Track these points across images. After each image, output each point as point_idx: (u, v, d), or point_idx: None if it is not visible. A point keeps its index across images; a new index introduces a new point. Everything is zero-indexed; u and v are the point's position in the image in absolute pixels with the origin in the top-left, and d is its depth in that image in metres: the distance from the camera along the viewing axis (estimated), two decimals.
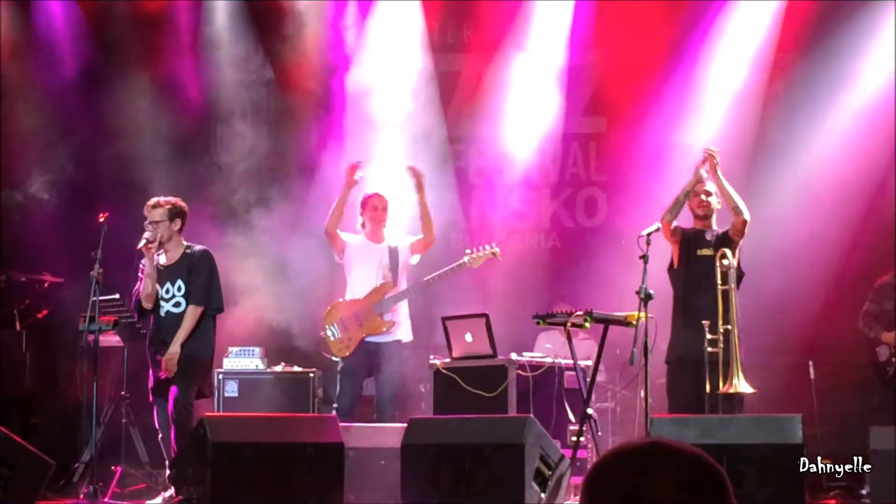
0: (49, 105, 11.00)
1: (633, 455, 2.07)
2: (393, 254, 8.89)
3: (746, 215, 8.01)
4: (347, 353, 8.83)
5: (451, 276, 8.99)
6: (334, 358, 8.95)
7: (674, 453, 2.08)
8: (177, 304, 8.07)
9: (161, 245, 8.09)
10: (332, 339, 8.87)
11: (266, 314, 10.04)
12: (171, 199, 8.18)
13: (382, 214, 8.96)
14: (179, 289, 8.06)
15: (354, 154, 10.07)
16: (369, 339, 8.81)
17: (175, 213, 8.11)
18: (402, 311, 8.94)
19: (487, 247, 8.98)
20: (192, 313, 8.05)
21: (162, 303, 8.10)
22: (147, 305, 8.11)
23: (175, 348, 7.95)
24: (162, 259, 8.15)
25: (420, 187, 8.99)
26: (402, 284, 8.94)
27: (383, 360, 8.79)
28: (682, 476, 2.05)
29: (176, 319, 8.02)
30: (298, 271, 10.19)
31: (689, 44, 10.97)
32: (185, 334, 7.98)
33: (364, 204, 8.99)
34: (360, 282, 8.89)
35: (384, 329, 8.82)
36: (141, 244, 7.97)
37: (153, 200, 8.14)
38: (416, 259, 9.06)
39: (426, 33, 11.53)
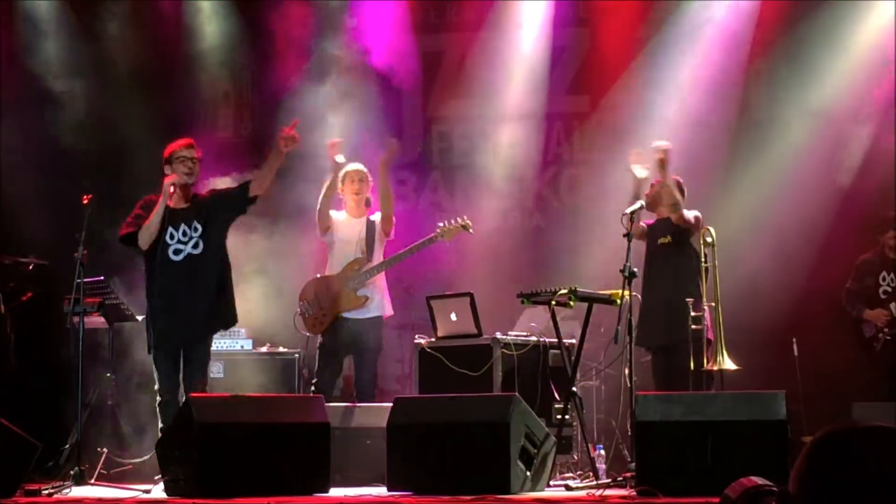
0: (33, 89, 10.96)
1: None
2: (370, 228, 8.76)
3: (676, 215, 8.18)
4: (321, 330, 8.71)
5: (423, 250, 8.86)
6: (312, 335, 8.82)
7: None
8: (196, 245, 7.71)
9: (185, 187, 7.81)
10: (305, 315, 8.74)
11: (251, 295, 10.02)
12: None
13: (362, 187, 8.80)
14: (196, 229, 7.71)
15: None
16: (346, 315, 8.65)
17: None
18: (379, 286, 8.76)
19: (459, 219, 8.87)
20: None
21: (180, 245, 7.68)
22: (143, 245, 7.66)
23: None
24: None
25: (389, 163, 8.81)
26: (378, 258, 8.77)
27: (363, 339, 8.63)
28: None
29: (197, 262, 7.71)
30: (284, 252, 10.17)
31: (673, 22, 10.98)
32: None
33: (344, 180, 8.85)
34: (342, 257, 8.74)
35: (358, 305, 8.64)
36: (174, 180, 7.64)
37: (190, 140, 7.90)
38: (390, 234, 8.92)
39: (410, 13, 11.52)
